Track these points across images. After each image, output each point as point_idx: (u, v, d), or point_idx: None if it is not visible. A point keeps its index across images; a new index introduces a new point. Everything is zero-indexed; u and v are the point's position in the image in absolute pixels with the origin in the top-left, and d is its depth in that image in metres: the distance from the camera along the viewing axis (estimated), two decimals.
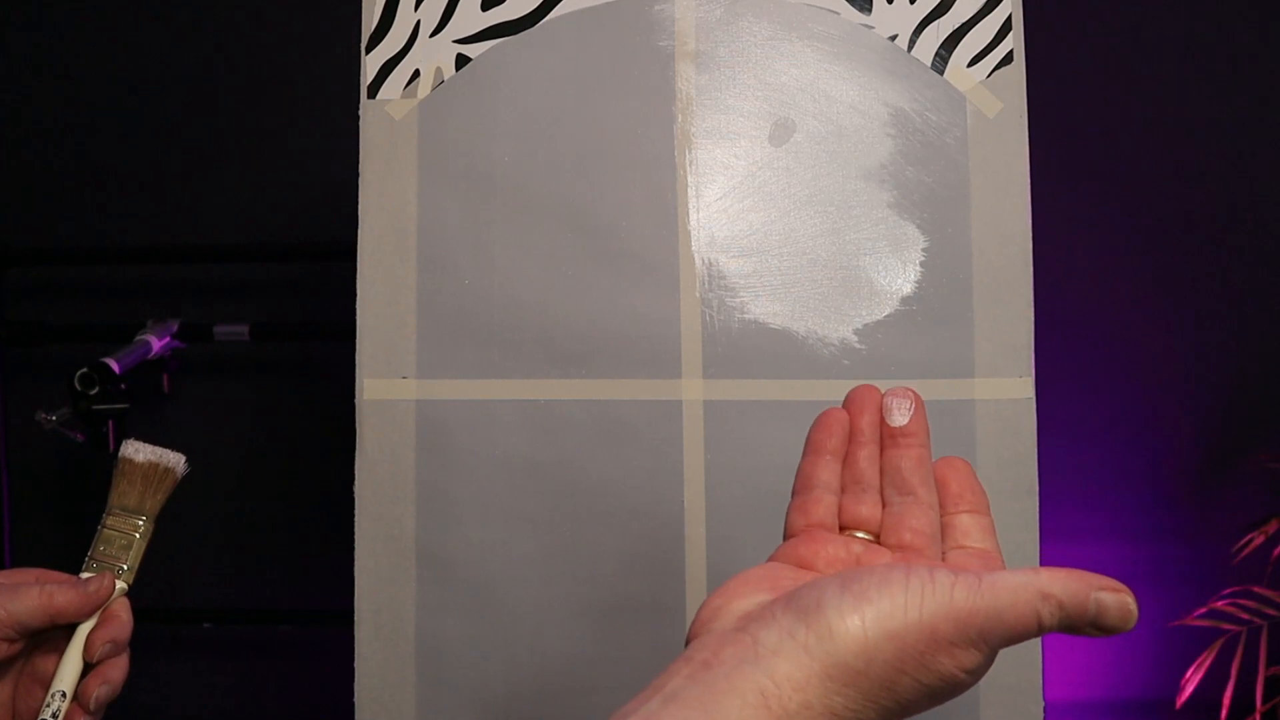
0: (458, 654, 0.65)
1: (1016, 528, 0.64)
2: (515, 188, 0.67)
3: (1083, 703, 1.48)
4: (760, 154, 0.67)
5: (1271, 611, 1.29)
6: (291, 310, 1.51)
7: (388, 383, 0.66)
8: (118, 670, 0.50)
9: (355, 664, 0.65)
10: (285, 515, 1.51)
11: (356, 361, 0.66)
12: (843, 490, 0.42)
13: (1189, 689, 1.30)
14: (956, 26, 0.67)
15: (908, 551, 0.39)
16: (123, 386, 1.24)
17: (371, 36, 0.68)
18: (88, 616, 0.50)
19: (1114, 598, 0.34)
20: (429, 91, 0.67)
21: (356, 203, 0.67)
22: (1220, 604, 1.32)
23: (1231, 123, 1.47)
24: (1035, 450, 0.65)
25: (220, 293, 1.53)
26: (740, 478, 0.65)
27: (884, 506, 0.41)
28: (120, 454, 0.53)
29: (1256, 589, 1.30)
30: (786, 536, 0.41)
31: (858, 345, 0.65)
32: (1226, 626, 1.30)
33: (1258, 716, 1.28)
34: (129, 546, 0.53)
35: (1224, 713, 1.30)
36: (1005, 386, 0.65)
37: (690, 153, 0.67)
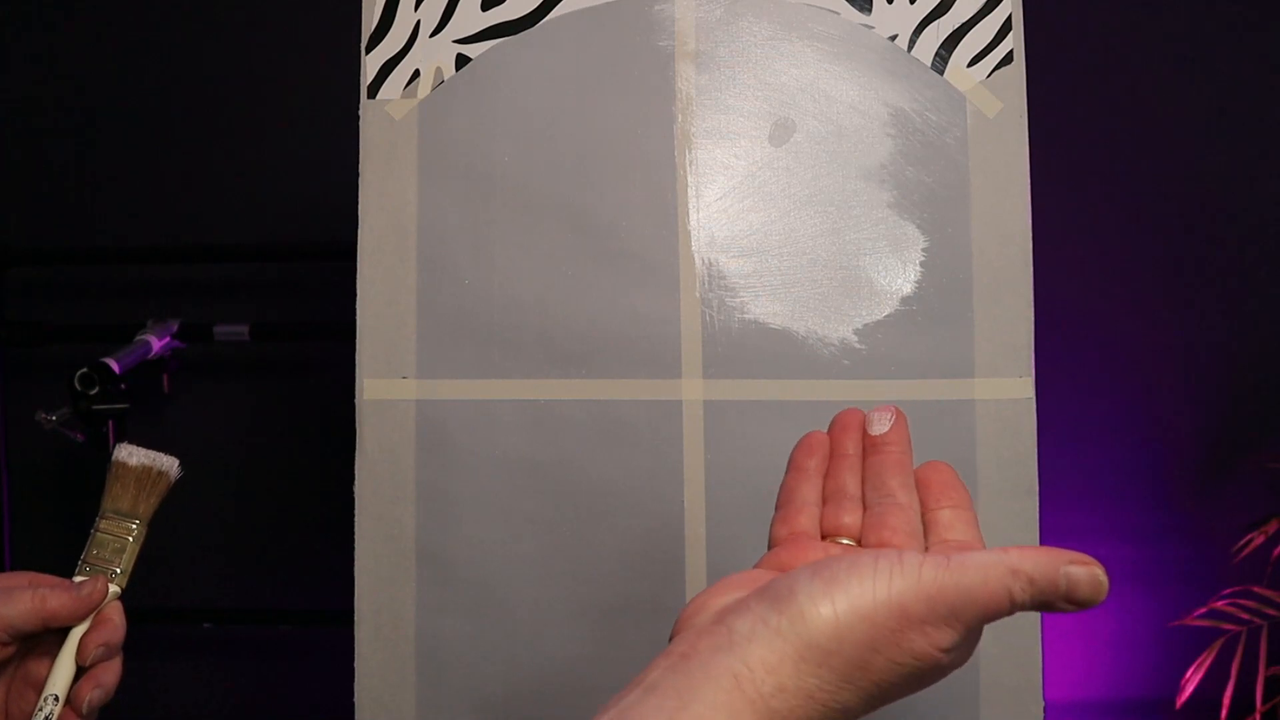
0: (458, 654, 0.65)
1: (1016, 528, 0.64)
2: (515, 188, 0.67)
3: (1083, 703, 1.48)
4: (760, 154, 0.67)
5: (1271, 611, 1.29)
6: (291, 310, 1.51)
7: (388, 383, 0.66)
8: (110, 674, 0.50)
9: (355, 664, 0.65)
10: (285, 515, 1.51)
11: (356, 361, 0.66)
12: (825, 502, 0.43)
13: (1189, 689, 1.30)
14: (956, 26, 0.67)
15: (887, 548, 0.39)
16: (123, 386, 1.24)
17: (371, 36, 0.68)
18: (80, 620, 0.50)
19: (1084, 571, 0.34)
20: (429, 91, 0.67)
21: (356, 203, 0.67)
22: (1220, 604, 1.32)
23: (1232, 122, 1.47)
24: (1035, 450, 0.65)
25: (220, 293, 1.53)
26: (740, 478, 0.65)
27: (865, 512, 0.41)
28: (114, 457, 0.53)
29: (1256, 589, 1.30)
30: (770, 547, 0.42)
31: (858, 345, 0.65)
32: (1226, 626, 1.30)
33: (1258, 716, 1.28)
34: (122, 550, 0.53)
35: (1224, 713, 1.30)
36: (1005, 386, 0.65)
37: (690, 153, 0.67)
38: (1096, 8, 1.47)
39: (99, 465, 0.58)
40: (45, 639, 0.51)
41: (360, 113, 0.67)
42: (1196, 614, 1.32)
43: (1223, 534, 1.40)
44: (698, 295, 0.66)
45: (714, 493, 0.65)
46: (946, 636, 0.34)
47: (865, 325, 0.66)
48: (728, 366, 0.66)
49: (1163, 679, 1.43)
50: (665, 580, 0.65)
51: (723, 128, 0.67)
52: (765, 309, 0.66)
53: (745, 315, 0.66)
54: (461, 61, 0.68)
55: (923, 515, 0.41)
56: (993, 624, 0.68)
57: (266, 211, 1.52)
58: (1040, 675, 0.64)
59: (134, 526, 0.53)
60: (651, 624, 0.65)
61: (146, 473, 0.54)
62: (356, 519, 0.66)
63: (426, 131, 0.67)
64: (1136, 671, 1.48)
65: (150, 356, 1.32)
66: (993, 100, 0.66)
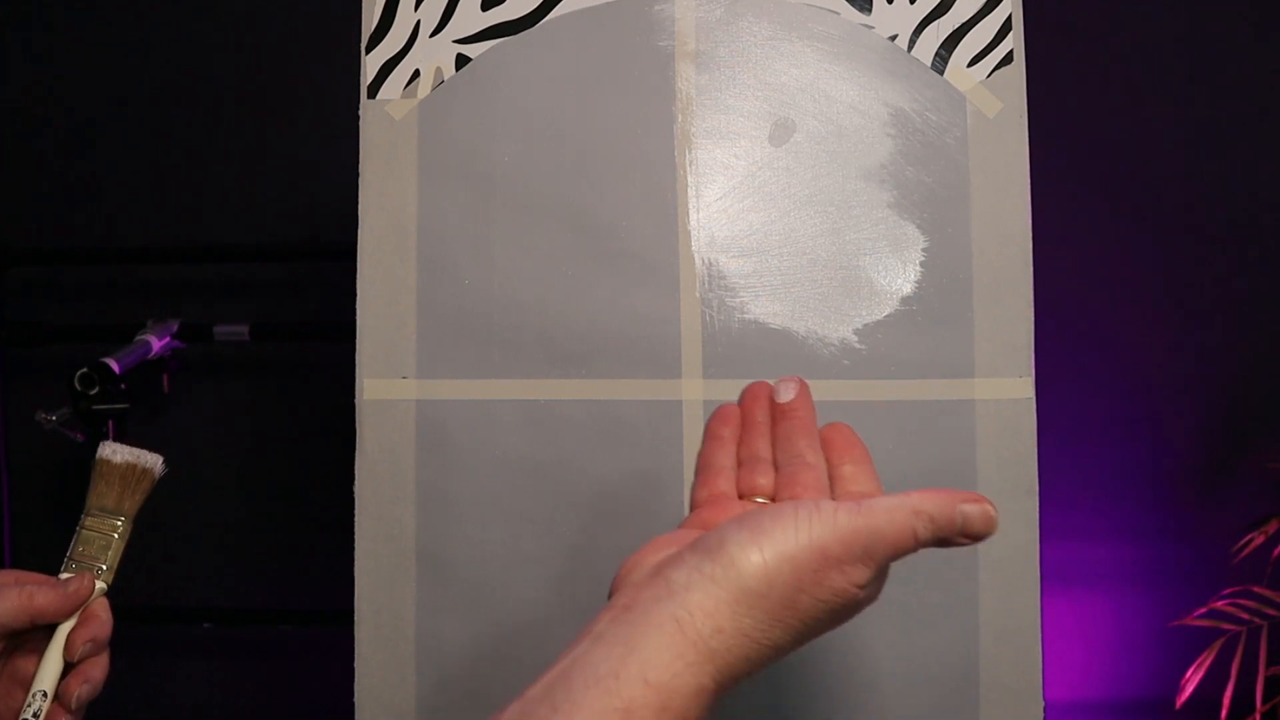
0: (458, 654, 0.65)
1: (1016, 528, 0.64)
2: (515, 188, 0.67)
3: (1083, 703, 1.48)
4: (760, 154, 0.67)
5: (1271, 611, 1.29)
6: (291, 310, 1.51)
7: (388, 383, 0.66)
8: (98, 669, 0.51)
9: (355, 664, 0.65)
10: (285, 515, 1.51)
11: (356, 361, 0.66)
12: (740, 466, 0.47)
13: (1189, 689, 1.30)
14: (956, 26, 0.67)
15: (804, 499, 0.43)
16: (123, 386, 1.24)
17: (371, 36, 0.68)
18: (67, 616, 0.51)
19: (976, 508, 0.39)
20: (429, 91, 0.67)
21: (356, 203, 0.67)
22: (1220, 604, 1.32)
23: (1232, 122, 1.47)
24: (1035, 450, 0.65)
25: (220, 293, 1.53)
26: None
27: (776, 472, 0.45)
28: (98, 455, 0.54)
29: (1256, 589, 1.30)
30: (692, 509, 0.46)
31: (858, 345, 0.65)
32: (1226, 626, 1.30)
33: (1258, 716, 1.28)
34: (108, 547, 0.53)
35: (1224, 713, 1.30)
36: (1005, 386, 0.65)
37: (690, 153, 0.67)
38: (1096, 8, 1.47)
39: None
40: (32, 636, 0.51)
41: (360, 113, 0.67)
42: (1196, 614, 1.32)
43: (1223, 534, 1.40)
44: (698, 295, 0.66)
45: None
46: (862, 573, 0.38)
47: (865, 325, 0.66)
48: (728, 366, 0.66)
49: (1163, 679, 1.43)
50: None
51: (723, 128, 0.67)
52: (765, 309, 0.66)
53: (745, 315, 0.66)
54: (461, 61, 0.68)
55: (828, 472, 0.45)
56: (993, 625, 0.68)
57: (266, 211, 1.52)
58: (1040, 675, 0.64)
59: (119, 523, 0.54)
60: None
61: (131, 470, 0.54)
62: (356, 519, 0.66)
63: (426, 131, 0.67)
64: (1136, 671, 1.48)
65: (150, 356, 1.32)
66: (993, 100, 0.66)
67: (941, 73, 0.66)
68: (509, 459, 0.66)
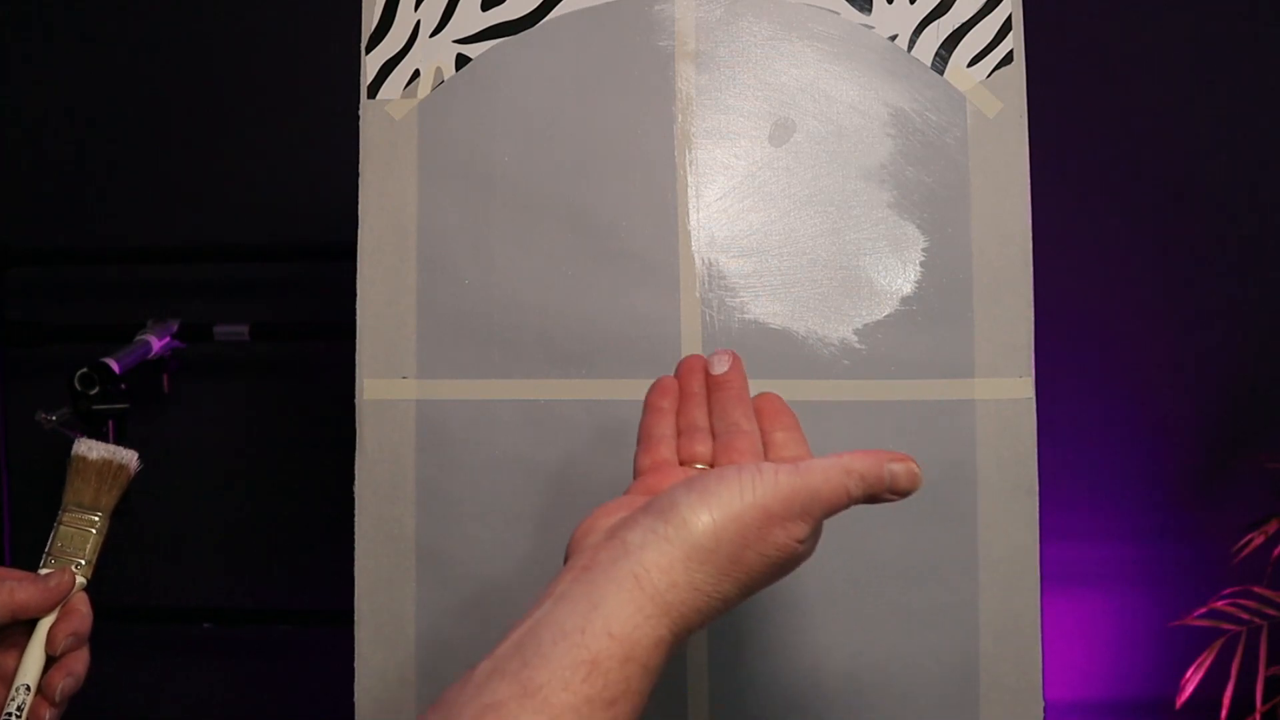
0: (458, 654, 0.65)
1: (1016, 528, 0.64)
2: (515, 188, 0.67)
3: (1083, 703, 1.48)
4: (760, 154, 0.67)
5: (1271, 611, 1.29)
6: (291, 310, 1.51)
7: (388, 383, 0.66)
8: (80, 662, 0.52)
9: (355, 664, 0.65)
10: (285, 515, 1.51)
11: (356, 361, 0.66)
12: (679, 435, 0.50)
13: (1189, 689, 1.30)
14: (956, 26, 0.67)
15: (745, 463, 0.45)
16: (123, 386, 1.24)
17: (371, 36, 0.68)
18: (48, 611, 0.51)
19: (902, 466, 0.42)
20: (429, 91, 0.67)
21: (356, 203, 0.67)
22: (1220, 604, 1.32)
23: (1232, 122, 1.47)
24: (1035, 450, 0.65)
25: (220, 293, 1.53)
26: None
27: (714, 440, 0.48)
28: (73, 452, 0.55)
29: (1256, 589, 1.30)
30: (636, 477, 0.48)
31: (858, 345, 0.65)
32: (1226, 626, 1.30)
33: (1258, 716, 1.28)
34: (86, 542, 0.54)
35: (1224, 713, 1.30)
36: (1005, 386, 0.65)
37: (690, 153, 0.67)
38: (1096, 8, 1.47)
39: None
40: (12, 631, 0.52)
41: (360, 113, 0.67)
42: (1196, 614, 1.32)
43: (1223, 534, 1.40)
44: (698, 295, 0.66)
45: None
46: (801, 529, 0.41)
47: (865, 325, 0.66)
48: None
49: (1163, 679, 1.43)
50: None
51: (723, 128, 0.67)
52: (765, 309, 0.66)
53: (745, 315, 0.66)
54: (461, 61, 0.68)
55: (761, 438, 0.48)
56: (993, 625, 0.68)
57: (266, 211, 1.52)
58: (1040, 675, 0.64)
59: (96, 519, 0.54)
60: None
61: (107, 466, 0.55)
62: (356, 519, 0.66)
63: (426, 131, 0.67)
64: (1136, 671, 1.48)
65: (150, 356, 1.32)
66: (993, 100, 0.66)
67: (941, 73, 0.66)
68: (509, 459, 0.66)
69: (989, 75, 0.66)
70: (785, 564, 0.42)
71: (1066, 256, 1.43)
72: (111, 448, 0.55)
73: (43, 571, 0.52)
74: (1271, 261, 1.47)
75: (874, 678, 0.65)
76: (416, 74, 0.67)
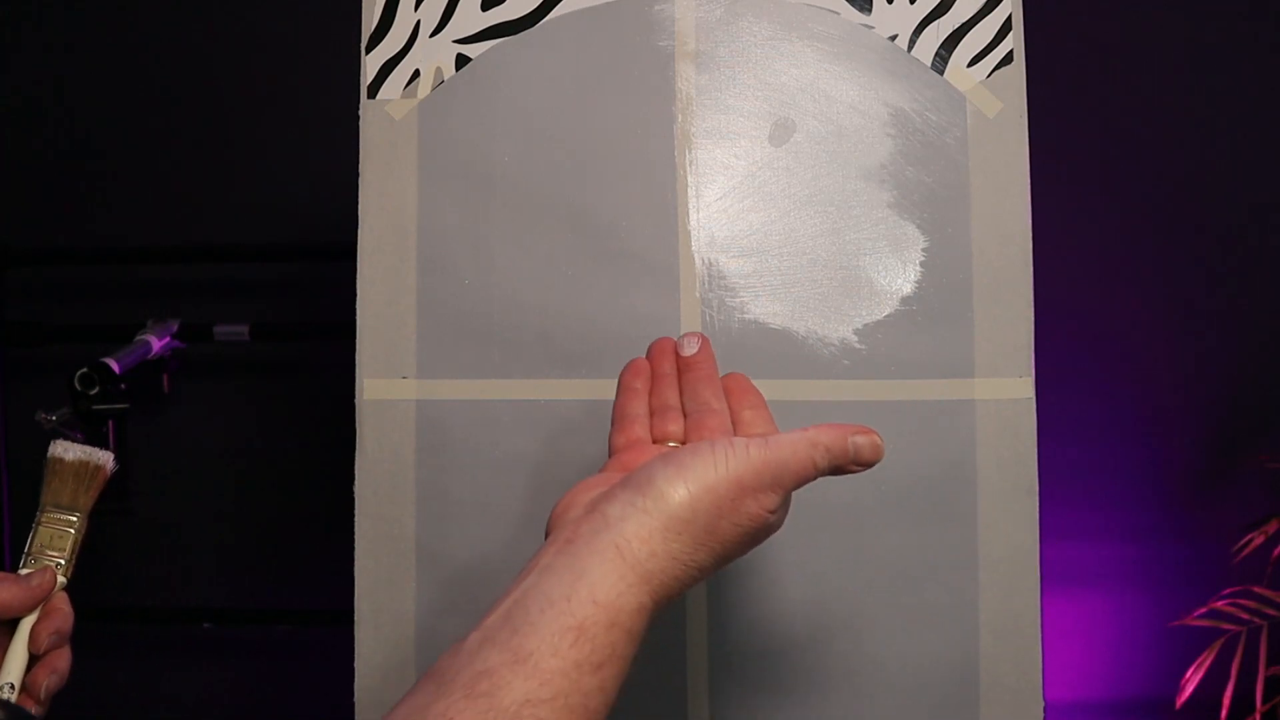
0: None
1: (1016, 528, 0.64)
2: (515, 188, 0.67)
3: (1083, 703, 1.48)
4: (760, 154, 0.67)
5: (1271, 611, 1.29)
6: (291, 310, 1.51)
7: (388, 383, 0.66)
8: (64, 660, 0.52)
9: (355, 664, 0.65)
10: (285, 515, 1.51)
11: (356, 361, 0.66)
12: (652, 415, 0.52)
13: (1189, 689, 1.30)
14: (956, 26, 0.67)
15: (720, 438, 0.47)
16: (123, 386, 1.24)
17: (371, 36, 0.68)
18: (30, 610, 0.52)
19: (865, 439, 0.45)
20: (429, 91, 0.67)
21: (356, 203, 0.67)
22: (1220, 604, 1.32)
23: (1232, 122, 1.47)
24: (1035, 450, 0.65)
25: (220, 293, 1.53)
26: None
27: (685, 419, 0.50)
28: (50, 453, 0.55)
29: (1256, 589, 1.30)
30: (611, 455, 0.50)
31: (858, 345, 0.65)
32: (1226, 626, 1.30)
33: (1258, 716, 1.28)
34: (65, 542, 0.55)
35: (1224, 713, 1.30)
36: (1005, 386, 0.65)
37: (690, 153, 0.67)
38: (1096, 8, 1.47)
39: None
40: None
41: (360, 113, 0.67)
42: (1196, 614, 1.32)
43: (1223, 534, 1.40)
44: (698, 295, 0.66)
45: None
46: (772, 500, 0.44)
47: (865, 325, 0.66)
48: (728, 366, 0.65)
49: (1163, 679, 1.43)
50: None
51: (723, 128, 0.67)
52: (765, 309, 0.66)
53: (745, 315, 0.66)
54: (461, 61, 0.68)
55: (730, 416, 0.50)
56: (993, 625, 0.68)
57: (266, 211, 1.51)
58: (1040, 675, 0.64)
59: (75, 519, 0.55)
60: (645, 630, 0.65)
61: (84, 467, 0.56)
62: (356, 519, 0.66)
63: (426, 131, 0.67)
64: (1136, 671, 1.48)
65: (150, 356, 1.32)
66: (993, 100, 0.66)
67: (941, 73, 0.66)
68: (509, 459, 0.66)
69: (989, 75, 0.66)
70: (757, 533, 0.44)
71: (1066, 256, 1.43)
72: (87, 449, 0.56)
73: (23, 571, 0.53)
74: (1271, 262, 1.47)
75: (874, 678, 0.65)
76: (416, 74, 0.67)
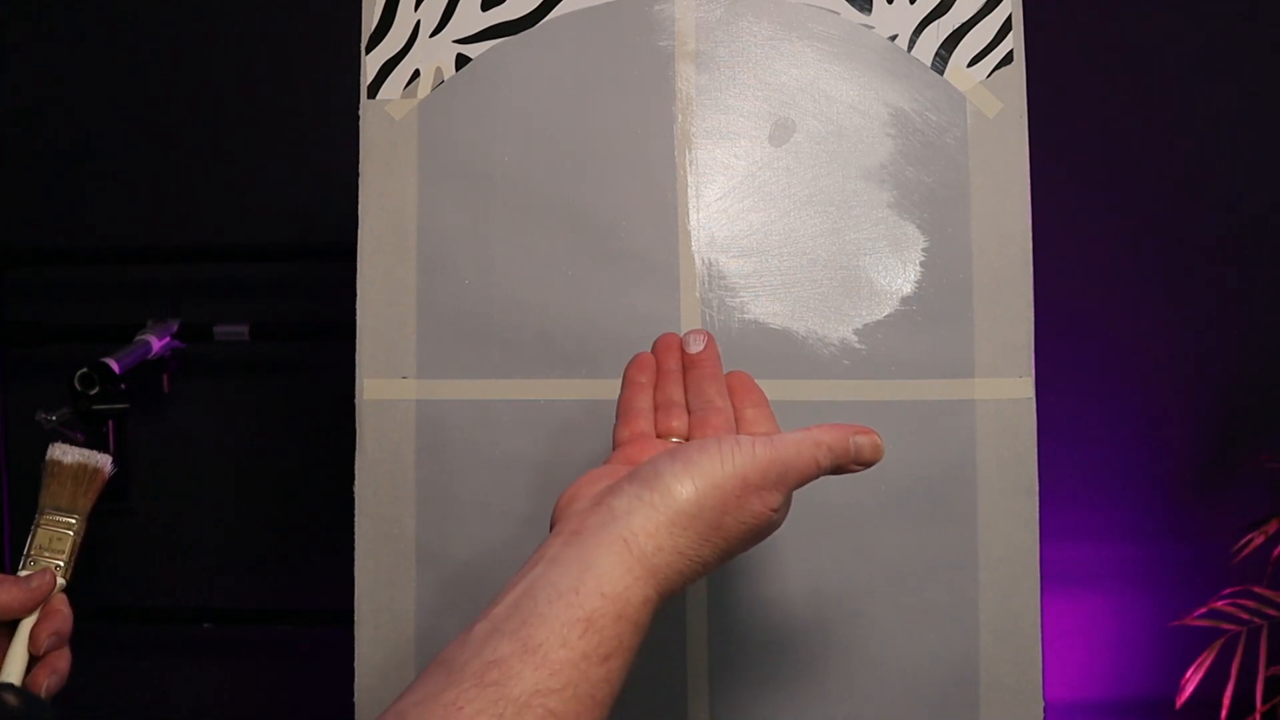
0: None
1: (1016, 528, 0.64)
2: (515, 188, 0.67)
3: (1083, 703, 1.48)
4: (760, 154, 0.67)
5: (1271, 611, 1.29)
6: (291, 310, 1.51)
7: (388, 383, 0.66)
8: (64, 661, 0.53)
9: (355, 664, 0.65)
10: (285, 515, 1.51)
11: (356, 361, 0.66)
12: (656, 410, 0.52)
13: (1189, 689, 1.30)
14: (956, 26, 0.67)
15: (725, 436, 0.48)
16: (123, 386, 1.24)
17: (371, 36, 0.68)
18: (30, 612, 0.52)
19: (866, 439, 0.46)
20: (429, 91, 0.67)
21: (356, 203, 0.67)
22: (1220, 604, 1.32)
23: (1232, 122, 1.47)
24: (1035, 450, 0.65)
25: (220, 293, 1.53)
26: None
27: (689, 415, 0.51)
28: (48, 456, 0.56)
29: (1256, 589, 1.30)
30: (615, 448, 0.51)
31: (858, 345, 0.65)
32: (1226, 626, 1.30)
33: (1258, 716, 1.28)
34: (64, 544, 0.55)
35: (1224, 713, 1.30)
36: (1005, 386, 0.65)
37: (690, 153, 0.67)
38: (1096, 8, 1.47)
39: None
40: None
41: (360, 113, 0.67)
42: (1196, 614, 1.32)
43: (1223, 534, 1.40)
44: (698, 295, 0.66)
45: None
46: (775, 498, 0.44)
47: (865, 325, 0.66)
48: (728, 366, 0.65)
49: (1163, 679, 1.43)
50: None
51: (723, 128, 0.67)
52: (765, 309, 0.66)
53: (745, 315, 0.66)
54: (461, 61, 0.68)
55: (733, 414, 0.51)
56: (993, 625, 0.68)
57: (266, 211, 1.52)
58: (1040, 675, 0.64)
59: (73, 521, 0.56)
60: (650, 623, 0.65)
61: (82, 470, 0.56)
62: (356, 519, 0.66)
63: (426, 131, 0.67)
64: (1136, 671, 1.48)
65: (150, 356, 1.32)
66: (993, 100, 0.66)
67: (941, 73, 0.66)
68: (509, 459, 0.66)
69: (989, 75, 0.66)
70: (760, 530, 0.45)
71: (1066, 256, 1.43)
72: (86, 451, 0.57)
73: (23, 573, 0.53)
74: (1271, 261, 1.47)
75: (874, 677, 0.65)
76: (416, 74, 0.67)
